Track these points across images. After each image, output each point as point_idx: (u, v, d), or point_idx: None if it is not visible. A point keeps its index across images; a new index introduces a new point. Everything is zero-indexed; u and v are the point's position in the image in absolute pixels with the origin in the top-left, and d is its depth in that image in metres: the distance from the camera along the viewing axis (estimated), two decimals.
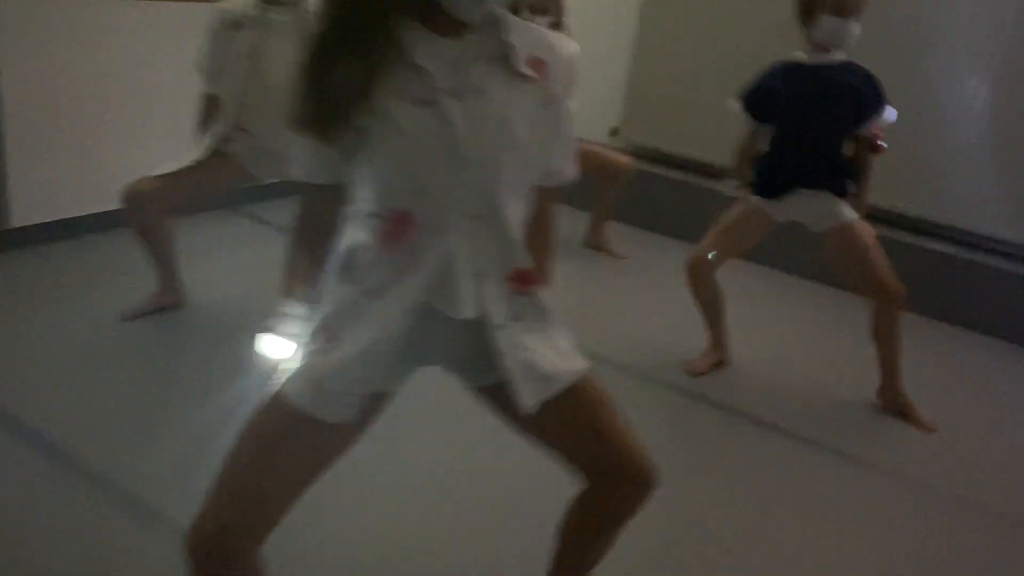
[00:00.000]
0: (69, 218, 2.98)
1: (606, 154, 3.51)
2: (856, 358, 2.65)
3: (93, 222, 3.02)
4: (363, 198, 1.13)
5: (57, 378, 2.16)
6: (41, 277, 2.74)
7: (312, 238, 1.22)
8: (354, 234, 1.15)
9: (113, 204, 2.62)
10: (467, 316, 1.13)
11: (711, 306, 2.61)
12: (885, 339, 2.46)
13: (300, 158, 1.16)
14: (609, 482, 1.24)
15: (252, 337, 2.26)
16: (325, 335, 1.13)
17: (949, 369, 2.94)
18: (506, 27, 1.13)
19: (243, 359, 2.19)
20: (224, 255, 3.06)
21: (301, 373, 1.13)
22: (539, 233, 1.25)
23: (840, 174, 2.43)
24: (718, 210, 2.64)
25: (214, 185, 2.53)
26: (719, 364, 2.66)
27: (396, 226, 1.11)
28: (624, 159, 3.55)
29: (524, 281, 1.19)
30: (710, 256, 2.52)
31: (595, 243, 3.59)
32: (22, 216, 2.85)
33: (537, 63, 1.15)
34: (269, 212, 3.40)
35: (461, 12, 1.09)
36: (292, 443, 1.12)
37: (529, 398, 1.16)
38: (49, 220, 2.93)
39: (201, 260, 2.85)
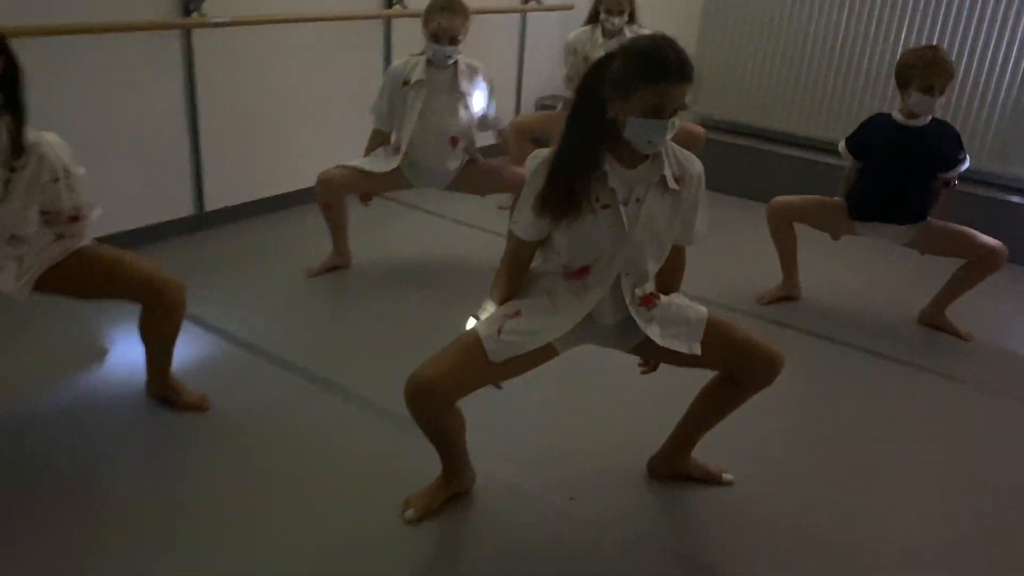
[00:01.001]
0: (249, 201, 3.69)
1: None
2: (903, 287, 3.20)
3: (268, 204, 3.73)
4: (559, 251, 1.81)
5: (269, 318, 2.84)
6: (234, 249, 3.43)
7: (511, 270, 1.89)
8: (546, 267, 1.86)
9: (284, 189, 3.31)
10: (608, 324, 1.88)
11: (786, 246, 3.18)
12: (961, 283, 3.01)
13: (522, 222, 1.80)
14: (749, 376, 1.89)
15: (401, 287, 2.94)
16: (515, 311, 1.80)
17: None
18: (666, 159, 1.78)
19: (395, 301, 2.85)
20: (377, 229, 3.73)
21: (490, 324, 1.78)
22: (675, 270, 1.98)
23: (921, 210, 2.99)
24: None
25: (383, 185, 3.20)
26: (789, 297, 3.23)
27: (578, 273, 1.82)
28: (699, 128, 4.10)
29: (649, 303, 1.88)
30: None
31: None
32: (214, 201, 3.56)
33: (679, 178, 1.80)
34: (415, 197, 4.07)
35: (641, 150, 1.72)
36: (477, 360, 1.76)
37: (657, 337, 1.86)
38: (235, 204, 3.63)
39: (364, 232, 3.52)
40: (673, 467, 2.14)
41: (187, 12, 3.17)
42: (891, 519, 2.09)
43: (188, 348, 2.50)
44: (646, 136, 1.68)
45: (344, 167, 3.11)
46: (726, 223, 4.05)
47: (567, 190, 1.72)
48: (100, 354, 2.55)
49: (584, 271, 1.81)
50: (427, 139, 3.09)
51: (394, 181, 3.17)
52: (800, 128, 4.47)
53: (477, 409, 1.88)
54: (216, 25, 3.22)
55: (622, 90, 1.66)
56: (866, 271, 3.60)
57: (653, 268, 1.86)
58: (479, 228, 3.75)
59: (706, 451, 2.13)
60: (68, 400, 2.31)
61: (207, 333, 2.70)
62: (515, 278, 1.90)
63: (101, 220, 2.11)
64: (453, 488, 1.98)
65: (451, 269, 3.37)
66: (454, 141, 3.12)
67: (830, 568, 1.91)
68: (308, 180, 3.20)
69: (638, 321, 1.86)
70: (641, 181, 1.77)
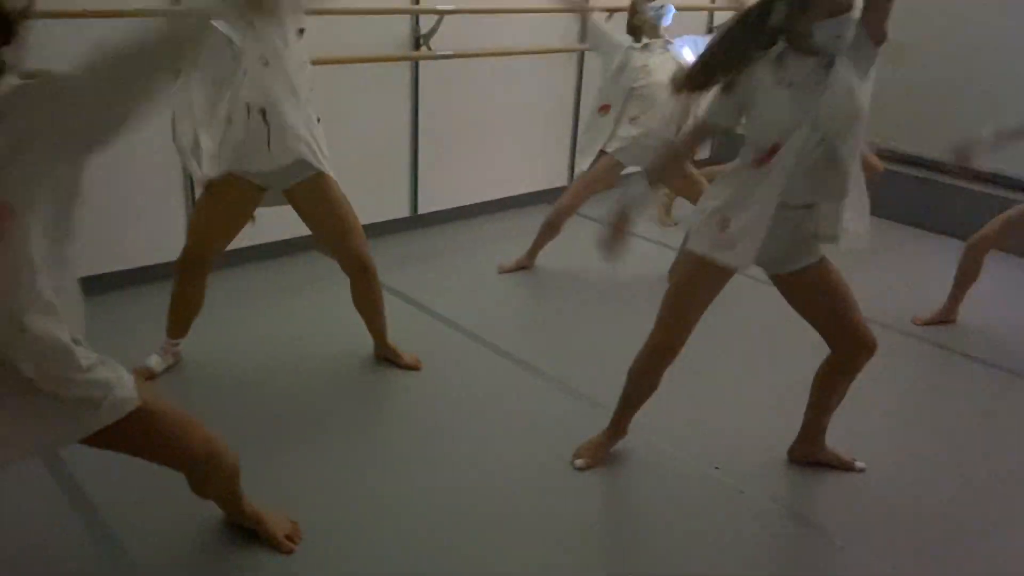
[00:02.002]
0: (455, 207, 4.28)
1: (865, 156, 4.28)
2: None
3: (472, 209, 4.31)
4: (748, 135, 2.04)
5: (466, 301, 3.37)
6: (441, 246, 4.02)
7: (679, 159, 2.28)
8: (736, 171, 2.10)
9: (487, 197, 3.84)
10: (798, 204, 2.03)
11: (967, 277, 3.34)
12: None
13: (712, 108, 2.06)
14: (846, 351, 2.19)
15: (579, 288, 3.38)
16: (719, 218, 2.07)
17: None
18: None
19: (572, 297, 3.30)
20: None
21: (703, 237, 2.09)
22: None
23: None
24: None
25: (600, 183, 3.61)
26: (946, 321, 3.40)
27: (768, 154, 1.98)
28: (875, 160, 4.29)
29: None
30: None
31: None
32: (426, 205, 4.18)
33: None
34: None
35: (832, 49, 1.92)
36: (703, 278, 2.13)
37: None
38: (443, 208, 4.23)
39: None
40: (810, 452, 2.44)
41: (417, 47, 3.80)
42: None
43: (403, 321, 3.06)
44: (835, 32, 1.87)
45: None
46: (896, 249, 4.23)
47: (738, 51, 1.96)
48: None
49: (773, 151, 1.97)
50: (649, 113, 3.50)
51: (609, 172, 3.60)
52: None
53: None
54: (442, 57, 3.83)
55: (800, 3, 1.89)
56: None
57: (846, 151, 1.97)
58: (654, 242, 4.14)
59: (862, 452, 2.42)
60: (313, 357, 2.93)
61: (418, 311, 3.27)
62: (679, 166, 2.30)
63: None
64: (614, 442, 2.40)
65: (622, 275, 3.78)
66: None
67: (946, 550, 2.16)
68: (504, 191, 3.73)
69: (829, 207, 2.03)
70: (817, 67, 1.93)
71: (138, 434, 1.60)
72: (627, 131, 3.48)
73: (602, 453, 2.39)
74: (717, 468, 2.40)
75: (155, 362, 2.69)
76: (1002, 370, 3.08)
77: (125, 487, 2.12)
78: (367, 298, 2.76)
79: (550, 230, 3.69)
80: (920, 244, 4.42)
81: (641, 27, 3.50)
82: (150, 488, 2.05)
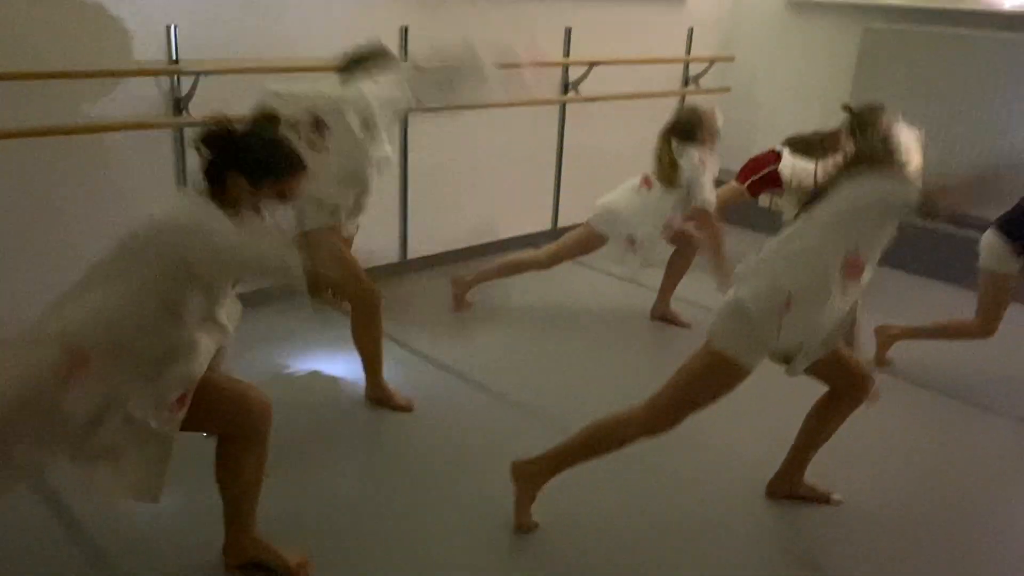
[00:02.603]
0: (443, 252, 4.40)
1: None
2: None
3: (458, 254, 4.43)
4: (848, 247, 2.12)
5: (465, 346, 3.47)
6: (431, 290, 4.12)
7: None
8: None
9: (475, 241, 3.97)
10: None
11: None
12: None
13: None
14: (846, 390, 2.31)
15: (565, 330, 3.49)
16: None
17: None
18: None
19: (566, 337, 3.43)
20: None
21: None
22: None
23: None
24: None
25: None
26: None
27: (854, 267, 2.11)
28: None
29: None
30: None
31: None
32: (415, 250, 4.29)
33: None
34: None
35: None
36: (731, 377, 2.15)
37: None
38: (432, 252, 4.34)
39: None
40: (789, 488, 2.55)
41: None
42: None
43: (393, 364, 3.15)
44: None
45: None
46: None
47: None
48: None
49: (857, 264, 2.12)
50: None
51: None
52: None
53: None
54: (430, 109, 3.97)
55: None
56: None
57: None
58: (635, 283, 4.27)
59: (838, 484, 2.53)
60: (307, 394, 3.01)
61: (408, 353, 3.38)
62: None
63: None
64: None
65: (608, 314, 3.91)
66: None
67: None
68: (491, 236, 3.85)
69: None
70: None
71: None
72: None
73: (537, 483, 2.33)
74: (700, 501, 2.51)
75: None
76: (970, 404, 3.23)
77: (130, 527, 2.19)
78: (371, 332, 2.87)
79: (509, 271, 3.81)
80: (895, 284, 4.58)
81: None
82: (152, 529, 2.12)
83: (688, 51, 5.24)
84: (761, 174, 4.37)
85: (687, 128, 3.58)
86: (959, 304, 3.57)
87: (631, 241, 3.62)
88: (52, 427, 1.69)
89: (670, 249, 3.80)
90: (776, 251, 2.20)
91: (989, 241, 3.25)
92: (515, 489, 2.32)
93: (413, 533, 2.31)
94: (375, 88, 2.73)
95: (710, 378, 2.17)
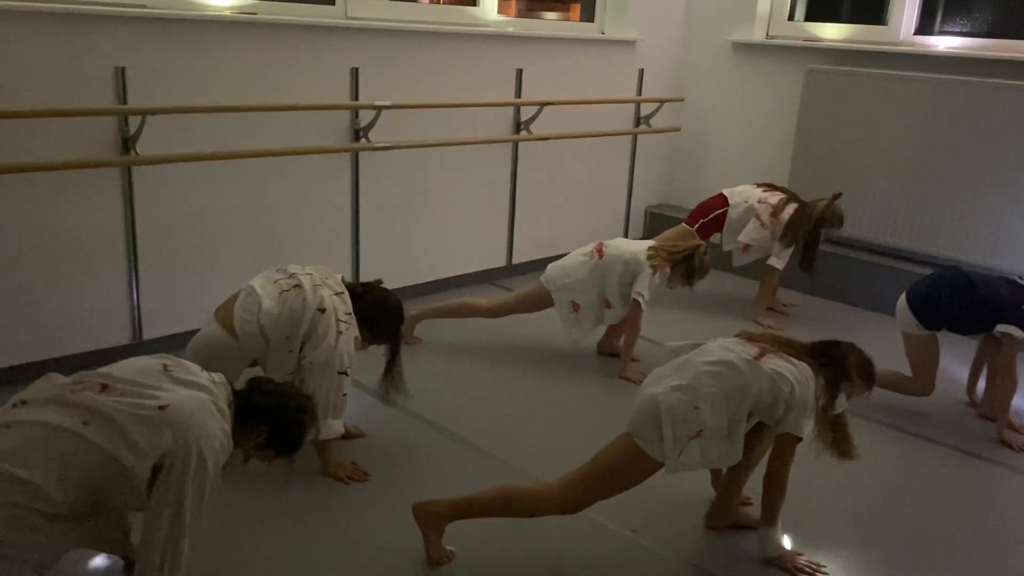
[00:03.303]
0: (398, 287, 4.41)
1: None
2: None
3: (412, 290, 4.46)
4: None
5: (417, 385, 3.50)
6: None
7: None
8: None
9: (428, 278, 4.01)
10: None
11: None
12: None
13: None
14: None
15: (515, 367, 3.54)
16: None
17: None
18: None
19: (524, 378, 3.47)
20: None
21: None
22: None
23: None
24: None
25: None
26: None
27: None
28: None
29: None
30: None
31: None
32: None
33: None
34: None
35: None
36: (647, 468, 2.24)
37: None
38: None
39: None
40: (727, 518, 2.59)
41: (356, 139, 4.02)
42: None
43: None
44: None
45: None
46: (825, 321, 4.50)
47: None
48: None
49: None
50: None
51: None
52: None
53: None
54: (378, 148, 4.05)
55: None
56: None
57: None
58: None
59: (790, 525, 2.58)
60: None
61: (356, 387, 3.40)
62: None
63: None
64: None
65: (554, 351, 3.96)
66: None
67: None
68: (444, 272, 3.91)
69: None
70: None
71: None
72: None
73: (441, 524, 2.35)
74: (635, 532, 2.55)
75: None
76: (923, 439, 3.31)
77: None
78: None
79: (456, 313, 3.89)
80: (845, 317, 4.70)
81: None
82: None
83: (639, 92, 5.38)
84: (710, 217, 4.51)
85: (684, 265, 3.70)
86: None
87: (576, 306, 3.70)
88: None
89: (606, 319, 3.78)
90: (707, 372, 2.26)
91: (902, 306, 3.37)
92: (420, 530, 2.34)
93: (330, 560, 2.33)
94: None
95: (625, 467, 2.25)
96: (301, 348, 2.64)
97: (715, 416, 2.21)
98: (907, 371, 3.44)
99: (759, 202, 4.44)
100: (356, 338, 2.76)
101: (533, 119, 4.70)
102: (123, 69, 3.24)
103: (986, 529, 2.73)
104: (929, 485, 2.99)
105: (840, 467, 2.38)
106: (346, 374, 2.68)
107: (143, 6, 3.32)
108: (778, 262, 4.41)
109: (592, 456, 2.28)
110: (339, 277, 2.85)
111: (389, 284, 4.31)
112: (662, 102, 5.40)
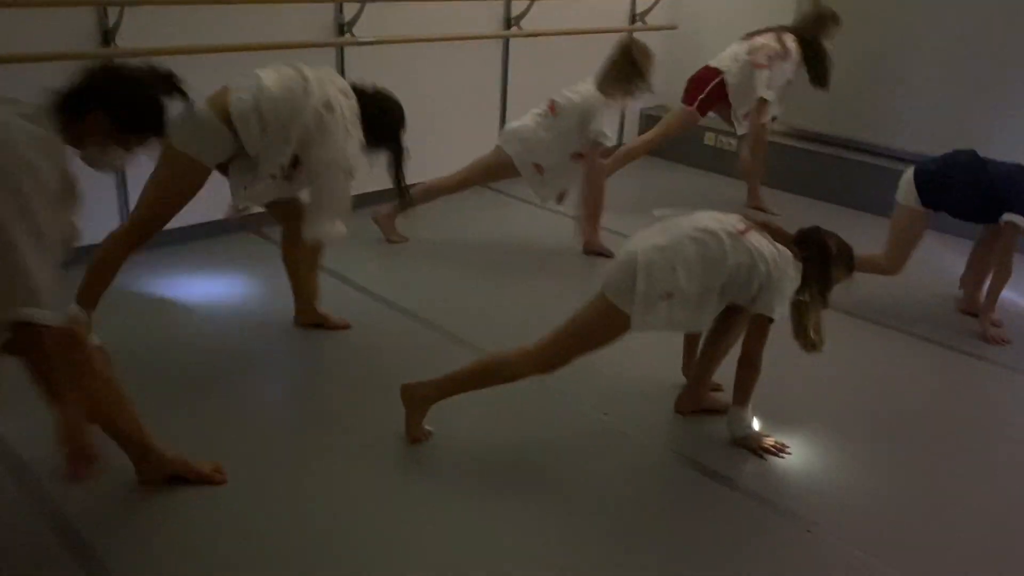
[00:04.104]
0: (386, 188, 4.45)
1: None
2: None
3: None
4: None
5: (402, 278, 3.55)
6: (369, 228, 4.18)
7: None
8: None
9: (414, 180, 4.05)
10: None
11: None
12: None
13: None
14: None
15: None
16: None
17: None
18: None
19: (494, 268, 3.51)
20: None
21: None
22: None
23: None
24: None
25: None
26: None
27: None
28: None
29: None
30: None
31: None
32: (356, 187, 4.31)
33: None
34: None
35: None
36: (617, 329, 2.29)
37: None
38: (374, 190, 4.28)
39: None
40: (696, 402, 2.66)
41: (341, 33, 3.97)
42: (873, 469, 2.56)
43: (329, 294, 3.24)
44: None
45: None
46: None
47: None
48: None
49: None
50: None
51: None
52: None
53: None
54: (363, 43, 4.00)
55: None
56: None
57: None
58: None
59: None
60: (247, 320, 3.10)
61: (342, 283, 3.46)
62: None
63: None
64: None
65: (538, 247, 4.00)
66: None
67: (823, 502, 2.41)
68: (431, 173, 3.90)
69: None
70: None
71: None
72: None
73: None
74: (606, 414, 2.63)
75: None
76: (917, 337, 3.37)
77: None
78: (311, 256, 2.92)
79: (421, 199, 3.81)
80: (809, 212, 4.69)
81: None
82: None
83: None
84: (706, 91, 4.42)
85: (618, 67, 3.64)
86: (869, 231, 3.65)
87: (539, 168, 3.68)
88: None
89: (578, 176, 3.81)
90: (690, 237, 2.28)
91: (907, 179, 3.34)
92: (405, 409, 2.42)
93: (320, 445, 2.42)
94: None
95: (599, 326, 2.31)
96: (309, 148, 2.58)
97: (689, 281, 2.25)
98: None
99: (750, 53, 4.31)
100: (361, 142, 2.70)
101: (524, 14, 4.60)
102: None
103: (964, 418, 2.80)
104: (908, 376, 3.05)
105: (819, 359, 2.42)
106: (351, 175, 2.66)
107: None
108: (769, 92, 4.30)
109: (568, 318, 2.34)
110: (345, 82, 2.76)
111: (378, 185, 4.37)
112: None
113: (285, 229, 2.93)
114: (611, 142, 3.66)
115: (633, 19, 5.30)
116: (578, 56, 5.03)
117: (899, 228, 3.37)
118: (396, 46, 4.18)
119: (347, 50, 4.05)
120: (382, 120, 2.79)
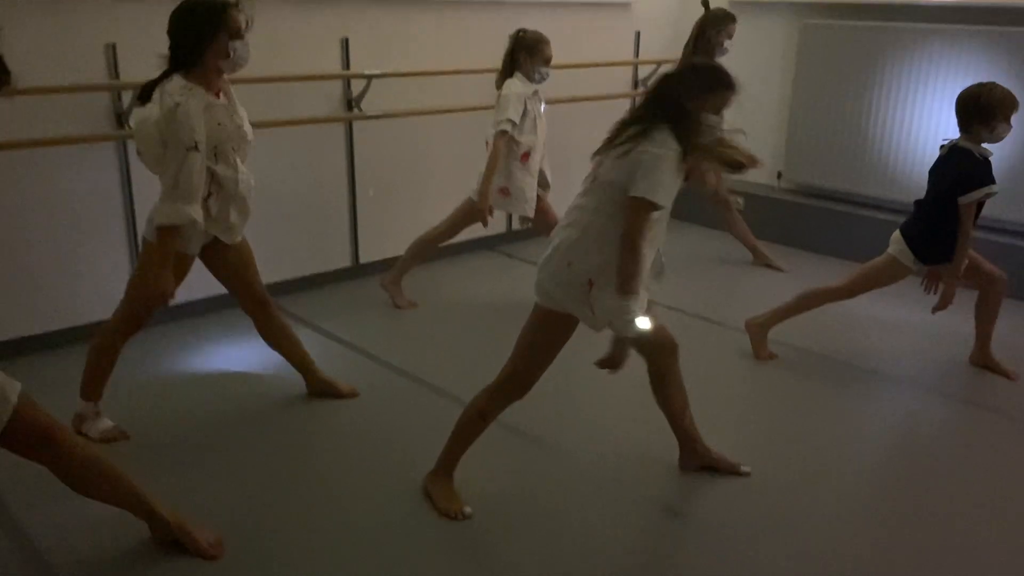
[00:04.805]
0: (395, 256, 4.51)
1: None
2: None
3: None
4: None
5: (416, 347, 3.59)
6: (383, 293, 4.24)
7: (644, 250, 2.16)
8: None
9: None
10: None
11: None
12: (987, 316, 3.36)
13: (664, 190, 2.10)
14: (656, 357, 2.43)
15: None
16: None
17: None
18: None
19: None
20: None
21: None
22: None
23: None
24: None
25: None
26: None
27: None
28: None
29: None
30: None
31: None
32: (366, 255, 4.43)
33: None
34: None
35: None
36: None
37: None
38: (383, 257, 4.45)
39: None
40: (695, 460, 2.65)
41: (350, 108, 4.10)
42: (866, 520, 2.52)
43: (343, 364, 3.28)
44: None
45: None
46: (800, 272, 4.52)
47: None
48: None
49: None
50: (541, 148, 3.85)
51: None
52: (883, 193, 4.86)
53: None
54: (371, 117, 4.12)
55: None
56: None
57: None
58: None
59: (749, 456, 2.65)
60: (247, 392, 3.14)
61: (357, 354, 3.50)
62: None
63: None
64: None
65: None
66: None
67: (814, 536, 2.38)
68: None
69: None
70: None
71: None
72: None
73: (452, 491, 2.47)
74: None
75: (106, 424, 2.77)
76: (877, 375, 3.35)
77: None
78: (280, 330, 2.96)
79: (418, 252, 4.00)
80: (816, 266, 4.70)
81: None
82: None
83: (636, 54, 5.38)
84: None
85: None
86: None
87: (505, 192, 3.80)
88: None
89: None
90: (563, 227, 2.26)
91: (898, 239, 3.35)
92: (432, 495, 2.47)
93: (324, 517, 2.44)
94: None
95: (546, 334, 2.32)
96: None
97: (588, 258, 2.18)
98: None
99: None
100: (213, 106, 2.52)
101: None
102: (114, 46, 3.33)
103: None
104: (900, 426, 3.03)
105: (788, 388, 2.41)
106: (196, 149, 2.44)
107: None
108: None
109: (516, 342, 2.37)
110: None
111: (388, 252, 4.46)
112: (659, 64, 5.39)
113: (252, 318, 2.95)
114: (511, 127, 3.70)
115: (636, 85, 5.42)
116: (592, 121, 5.15)
117: (876, 268, 3.39)
118: (403, 119, 4.30)
119: (355, 124, 4.17)
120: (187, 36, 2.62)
